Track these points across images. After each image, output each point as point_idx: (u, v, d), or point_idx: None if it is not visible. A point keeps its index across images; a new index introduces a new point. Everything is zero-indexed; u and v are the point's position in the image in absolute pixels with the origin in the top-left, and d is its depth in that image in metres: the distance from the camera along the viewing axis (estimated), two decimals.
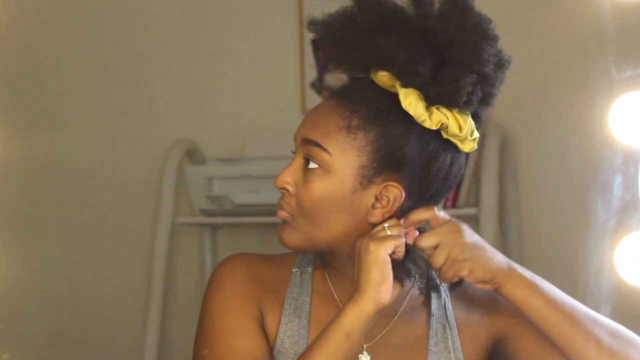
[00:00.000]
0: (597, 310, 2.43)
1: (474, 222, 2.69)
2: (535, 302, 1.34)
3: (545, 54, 2.74)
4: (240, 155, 3.10)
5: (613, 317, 2.40)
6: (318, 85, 3.11)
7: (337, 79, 3.09)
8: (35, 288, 3.03)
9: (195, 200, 3.03)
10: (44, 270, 3.08)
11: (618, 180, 2.52)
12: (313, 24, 1.37)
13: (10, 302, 2.91)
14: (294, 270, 1.43)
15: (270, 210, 2.95)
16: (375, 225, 1.35)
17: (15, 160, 2.95)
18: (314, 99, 3.11)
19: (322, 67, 3.09)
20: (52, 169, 3.14)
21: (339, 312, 1.31)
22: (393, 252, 1.31)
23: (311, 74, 3.11)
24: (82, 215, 3.16)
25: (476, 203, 2.76)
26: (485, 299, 1.44)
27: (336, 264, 1.40)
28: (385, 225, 1.33)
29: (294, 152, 1.38)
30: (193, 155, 3.12)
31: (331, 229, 1.34)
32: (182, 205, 3.13)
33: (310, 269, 1.43)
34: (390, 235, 1.32)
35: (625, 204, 2.50)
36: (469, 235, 1.34)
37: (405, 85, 1.32)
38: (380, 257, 1.30)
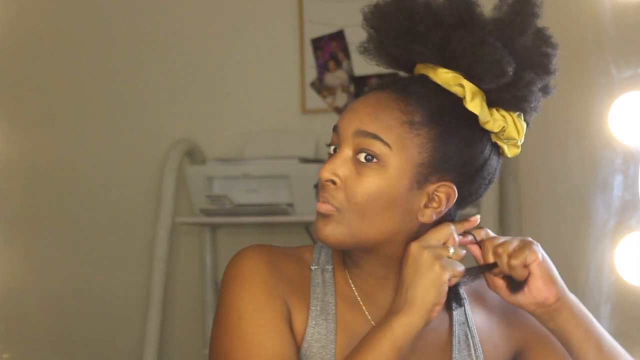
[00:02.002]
0: (597, 309, 2.44)
1: None
2: (582, 342, 1.34)
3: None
4: (240, 155, 3.09)
5: (613, 316, 2.40)
6: (318, 85, 3.11)
7: (337, 79, 3.09)
8: (35, 288, 3.03)
9: (195, 200, 3.03)
10: (44, 270, 3.08)
11: (618, 180, 2.52)
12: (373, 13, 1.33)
13: (10, 302, 2.90)
14: (313, 267, 1.38)
15: (270, 210, 2.94)
16: (424, 225, 1.32)
17: (15, 160, 2.95)
18: (314, 99, 3.11)
19: (322, 67, 3.09)
20: (52, 169, 3.14)
21: (386, 321, 1.27)
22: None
23: (311, 73, 3.11)
24: (82, 215, 3.16)
25: (476, 203, 2.76)
26: (505, 310, 1.42)
27: (365, 264, 1.35)
28: (451, 249, 1.30)
29: (329, 145, 1.33)
30: (193, 155, 3.11)
31: (381, 226, 1.30)
32: (182, 205, 3.13)
33: (330, 267, 1.38)
34: (455, 263, 1.29)
35: (625, 204, 2.50)
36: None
37: (484, 85, 1.29)
38: (442, 280, 1.26)
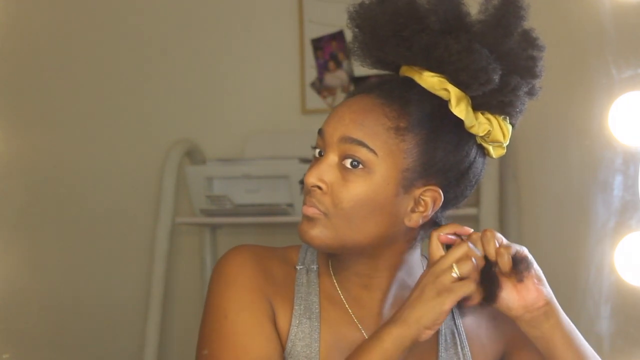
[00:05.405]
0: (597, 309, 2.44)
1: (474, 222, 2.68)
2: (565, 352, 1.32)
3: (545, 54, 2.74)
4: (240, 155, 3.10)
5: (613, 316, 2.40)
6: (318, 86, 3.11)
7: (337, 79, 3.09)
8: (35, 288, 3.03)
9: (195, 200, 3.03)
10: (44, 270, 3.08)
11: (618, 180, 2.53)
12: (356, 18, 1.32)
13: (10, 302, 2.90)
14: (298, 267, 1.39)
15: (270, 210, 2.94)
16: (411, 229, 1.32)
17: (15, 160, 2.95)
18: (314, 99, 3.11)
19: (322, 67, 3.09)
20: (52, 169, 3.14)
21: (377, 332, 1.27)
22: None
23: (311, 74, 3.11)
24: (82, 215, 3.16)
25: (476, 203, 2.76)
26: (494, 311, 1.39)
27: (350, 265, 1.36)
28: (455, 267, 1.26)
29: (315, 148, 1.33)
30: (193, 155, 3.12)
31: (368, 231, 1.30)
32: (182, 205, 3.13)
33: (315, 267, 1.39)
34: (461, 285, 1.26)
35: (625, 204, 2.50)
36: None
37: (470, 92, 1.29)
38: (443, 309, 1.25)
